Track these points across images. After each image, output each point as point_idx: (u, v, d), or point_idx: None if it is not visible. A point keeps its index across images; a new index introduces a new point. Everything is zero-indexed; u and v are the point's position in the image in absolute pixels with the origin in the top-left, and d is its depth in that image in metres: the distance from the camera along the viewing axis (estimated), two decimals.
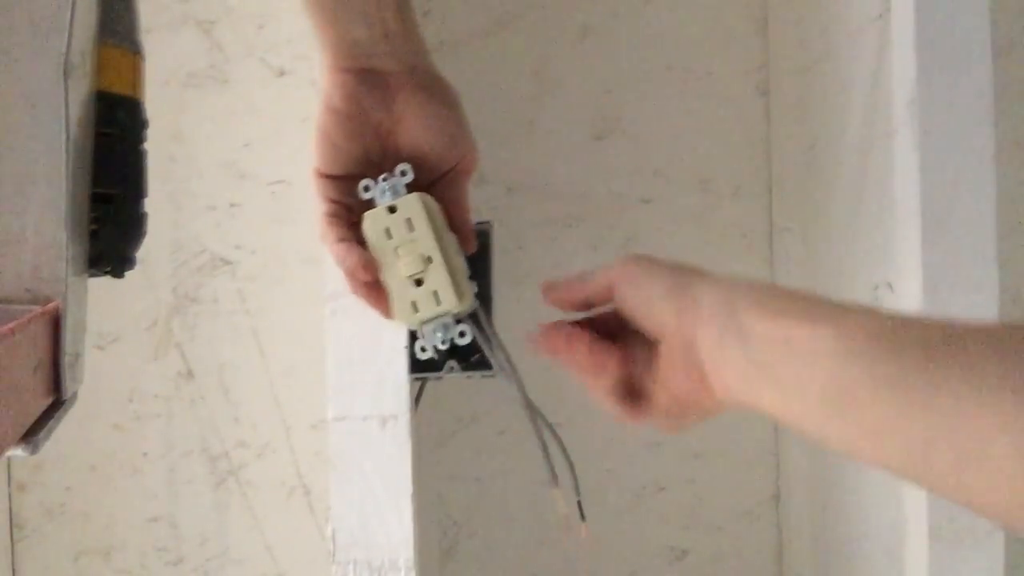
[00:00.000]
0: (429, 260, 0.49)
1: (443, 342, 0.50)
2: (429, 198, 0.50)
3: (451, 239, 0.50)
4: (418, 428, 0.74)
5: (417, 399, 0.73)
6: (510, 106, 1.10)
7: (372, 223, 0.50)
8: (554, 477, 0.53)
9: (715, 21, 1.09)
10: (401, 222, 0.49)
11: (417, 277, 0.49)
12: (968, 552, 0.67)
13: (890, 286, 0.73)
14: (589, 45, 1.10)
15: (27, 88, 0.39)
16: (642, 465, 1.08)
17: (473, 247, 0.51)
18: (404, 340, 0.69)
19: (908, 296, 0.69)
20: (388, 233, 0.50)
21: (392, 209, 0.49)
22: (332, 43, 0.48)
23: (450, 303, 0.49)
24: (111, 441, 1.08)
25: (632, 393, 0.45)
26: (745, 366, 0.36)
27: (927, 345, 0.30)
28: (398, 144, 0.50)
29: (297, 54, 1.07)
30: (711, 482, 1.09)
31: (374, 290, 0.50)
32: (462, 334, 0.50)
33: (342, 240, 0.49)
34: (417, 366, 0.69)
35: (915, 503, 0.69)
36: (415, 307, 0.49)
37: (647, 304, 0.43)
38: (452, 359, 0.69)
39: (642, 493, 1.09)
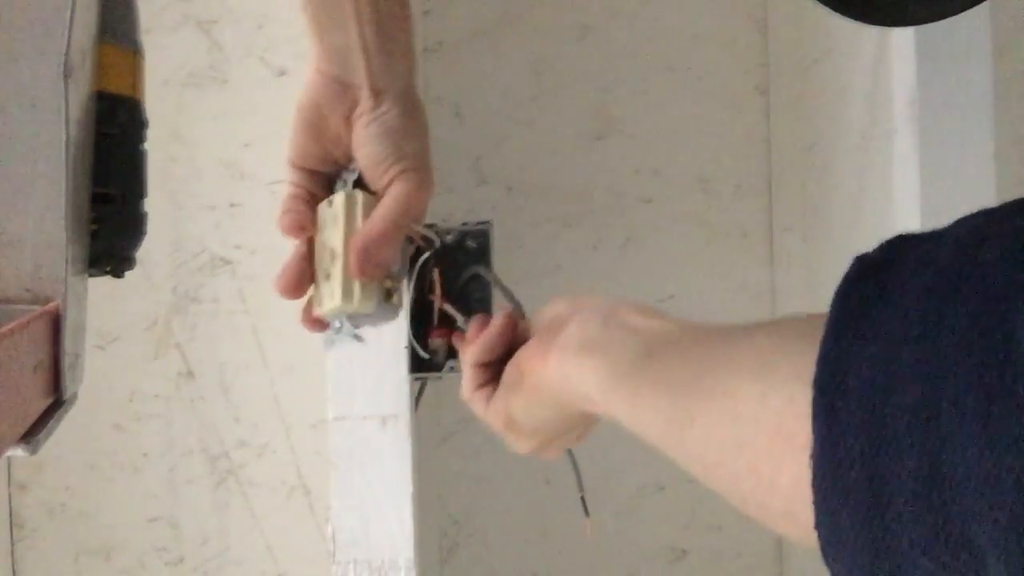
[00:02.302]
0: (335, 255, 0.50)
1: (332, 338, 0.53)
2: (359, 196, 0.51)
3: None
4: (418, 428, 0.74)
5: (417, 399, 0.73)
6: (510, 106, 1.10)
7: (319, 214, 0.53)
8: (585, 508, 0.55)
9: (715, 21, 1.09)
10: (331, 216, 0.51)
11: (327, 271, 0.50)
12: None
13: None
14: (589, 45, 1.10)
15: (27, 88, 0.39)
16: (642, 465, 1.08)
17: (366, 272, 0.50)
18: (404, 340, 0.69)
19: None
20: (324, 224, 0.52)
21: (330, 203, 0.52)
22: (315, 45, 0.50)
23: (336, 301, 0.50)
24: (111, 441, 1.08)
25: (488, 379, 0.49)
26: (591, 339, 0.40)
27: (728, 332, 0.34)
28: (351, 154, 0.52)
29: (297, 54, 1.07)
30: None
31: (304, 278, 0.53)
32: (355, 336, 0.52)
33: (287, 209, 0.53)
34: (417, 366, 0.69)
35: None
36: (321, 299, 0.51)
37: (548, 307, 0.47)
38: (452, 359, 0.69)
39: (642, 493, 1.09)
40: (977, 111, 0.68)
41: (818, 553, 0.26)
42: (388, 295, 0.51)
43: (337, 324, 0.53)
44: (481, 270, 0.57)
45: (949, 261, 0.24)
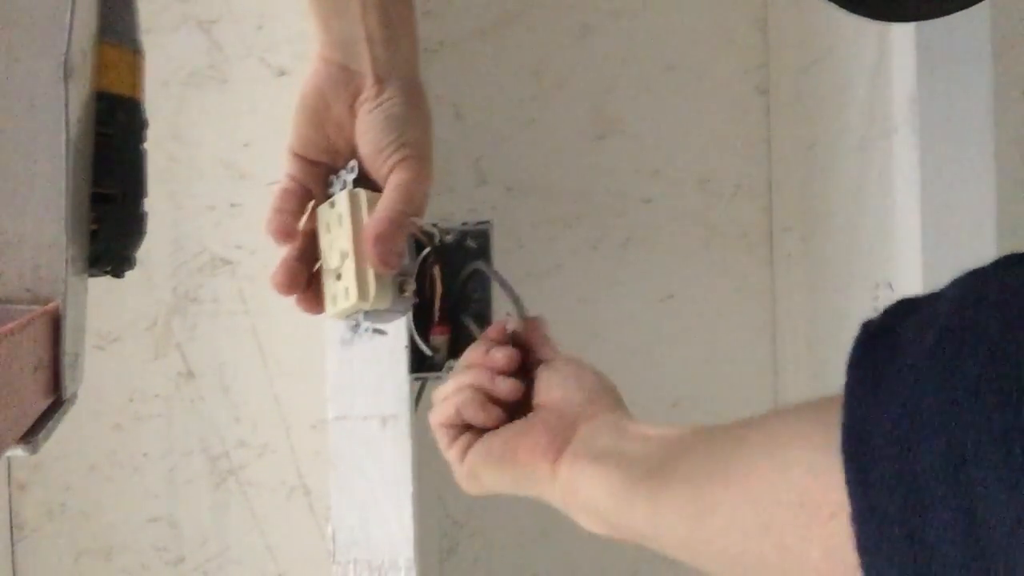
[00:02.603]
0: (346, 255, 0.50)
1: (351, 336, 0.52)
2: (362, 195, 0.50)
3: None
4: (418, 428, 0.74)
5: (417, 399, 0.73)
6: (510, 106, 1.10)
7: (320, 216, 0.52)
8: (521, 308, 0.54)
9: (715, 21, 1.09)
10: (335, 217, 0.51)
11: (337, 271, 0.50)
12: None
13: (890, 286, 0.73)
14: (589, 45, 1.10)
15: (27, 88, 0.39)
16: None
17: (386, 262, 0.49)
18: (404, 340, 0.69)
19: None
20: (328, 227, 0.52)
21: (332, 204, 0.51)
22: (320, 33, 0.50)
23: (352, 300, 0.49)
24: (111, 441, 1.08)
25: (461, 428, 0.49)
26: (603, 450, 0.41)
27: (737, 424, 0.35)
28: (354, 141, 0.52)
29: (297, 54, 1.07)
30: None
31: (300, 279, 0.53)
32: (376, 331, 0.52)
33: (278, 208, 0.52)
34: (417, 366, 0.69)
35: None
36: (334, 300, 0.51)
37: (568, 384, 0.47)
38: (453, 358, 0.69)
39: None
40: (977, 111, 0.68)
41: None
42: (401, 288, 0.51)
43: (354, 322, 0.52)
44: (482, 265, 0.57)
45: (952, 318, 0.25)
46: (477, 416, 0.48)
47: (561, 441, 0.43)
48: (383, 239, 0.48)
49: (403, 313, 0.53)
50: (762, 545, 0.30)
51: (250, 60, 1.07)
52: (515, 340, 0.51)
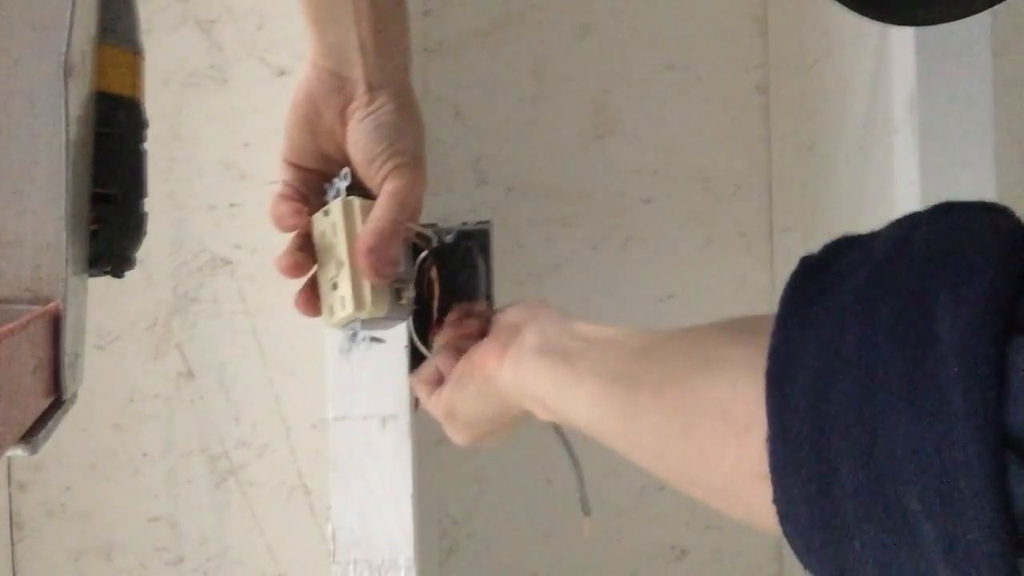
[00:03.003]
0: (342, 265, 0.50)
1: (349, 346, 0.52)
2: (356, 203, 0.50)
3: None
4: (418, 428, 0.74)
5: (417, 399, 0.73)
6: (510, 106, 1.10)
7: (315, 225, 0.52)
8: (586, 505, 0.55)
9: (715, 21, 1.09)
10: (329, 225, 0.51)
11: (333, 281, 0.50)
12: None
13: None
14: (589, 45, 1.10)
15: (27, 88, 0.39)
16: None
17: (380, 271, 0.50)
18: (404, 340, 0.69)
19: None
20: (324, 235, 0.52)
21: (327, 212, 0.51)
22: (312, 39, 0.50)
23: (349, 310, 0.50)
24: (111, 441, 1.08)
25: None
26: (548, 343, 0.43)
27: (677, 332, 0.38)
28: (346, 149, 0.52)
29: (297, 54, 1.07)
30: None
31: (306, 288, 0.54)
32: (374, 339, 0.52)
33: (279, 212, 0.53)
34: (417, 366, 0.69)
35: None
36: (331, 310, 0.51)
37: (509, 311, 0.49)
38: None
39: (642, 493, 1.09)
40: (977, 111, 0.68)
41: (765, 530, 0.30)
42: (398, 296, 0.51)
43: (351, 331, 0.52)
44: (472, 246, 0.57)
45: (881, 260, 0.28)
46: (449, 367, 0.50)
47: (507, 342, 0.45)
48: (376, 250, 0.48)
49: (402, 320, 0.53)
50: (684, 447, 0.33)
51: (250, 60, 1.07)
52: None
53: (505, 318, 0.49)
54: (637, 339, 0.40)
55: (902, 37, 0.70)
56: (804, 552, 0.28)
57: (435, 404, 0.50)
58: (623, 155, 1.09)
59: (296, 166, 0.52)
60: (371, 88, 0.50)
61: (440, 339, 0.52)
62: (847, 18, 0.84)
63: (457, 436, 0.51)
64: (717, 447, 0.31)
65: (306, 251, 0.53)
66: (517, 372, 0.43)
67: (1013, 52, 0.99)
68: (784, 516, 0.28)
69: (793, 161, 1.02)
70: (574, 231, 1.10)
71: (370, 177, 0.50)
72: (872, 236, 0.30)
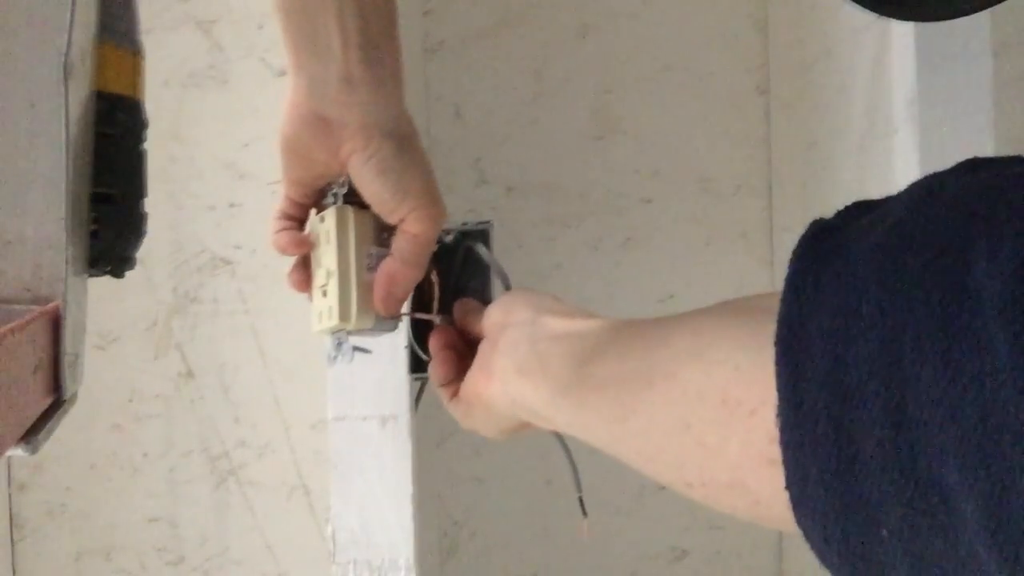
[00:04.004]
0: (331, 274, 0.50)
1: (337, 355, 0.53)
2: (351, 213, 0.50)
3: (367, 257, 0.50)
4: (418, 428, 0.74)
5: (417, 399, 0.73)
6: (510, 106, 1.10)
7: (312, 225, 0.52)
8: (583, 509, 0.55)
9: (715, 21, 1.09)
10: (324, 232, 0.51)
11: (323, 288, 0.50)
12: None
13: None
14: (589, 45, 1.10)
15: (27, 88, 0.39)
16: None
17: (389, 310, 0.51)
18: (404, 341, 0.69)
19: None
20: (318, 238, 0.52)
21: (323, 218, 0.51)
22: (294, 78, 0.46)
23: (334, 320, 0.50)
24: (111, 441, 1.08)
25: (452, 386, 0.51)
26: (525, 358, 0.41)
27: (660, 321, 0.35)
28: (344, 174, 0.50)
29: None
30: None
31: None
32: (357, 349, 0.52)
33: (278, 231, 0.53)
34: (417, 366, 0.69)
35: None
36: (320, 317, 0.51)
37: (490, 312, 0.48)
38: None
39: (642, 493, 1.09)
40: (977, 111, 0.68)
41: (781, 532, 0.26)
42: None
43: (337, 341, 0.53)
44: (476, 246, 0.57)
45: (902, 217, 0.24)
46: (446, 370, 0.51)
47: (488, 364, 0.45)
48: (392, 292, 0.50)
49: (390, 331, 0.53)
50: (682, 442, 0.30)
51: (250, 60, 1.07)
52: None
53: (486, 325, 0.48)
54: (615, 333, 0.38)
55: (902, 37, 0.70)
56: (822, 546, 0.25)
57: (456, 415, 0.51)
58: (623, 155, 1.09)
59: (296, 183, 0.52)
60: (364, 127, 0.46)
61: (435, 340, 0.52)
62: (847, 18, 0.84)
63: (492, 438, 0.51)
64: (719, 437, 0.28)
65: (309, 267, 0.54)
66: (505, 396, 0.43)
67: (1013, 52, 0.99)
68: (799, 503, 0.25)
69: (793, 161, 1.02)
70: (574, 231, 1.10)
71: (386, 216, 0.49)
72: (890, 198, 0.27)
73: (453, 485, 1.10)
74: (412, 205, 0.48)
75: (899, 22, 0.71)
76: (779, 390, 0.25)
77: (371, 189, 0.48)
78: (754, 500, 0.28)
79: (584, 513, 0.58)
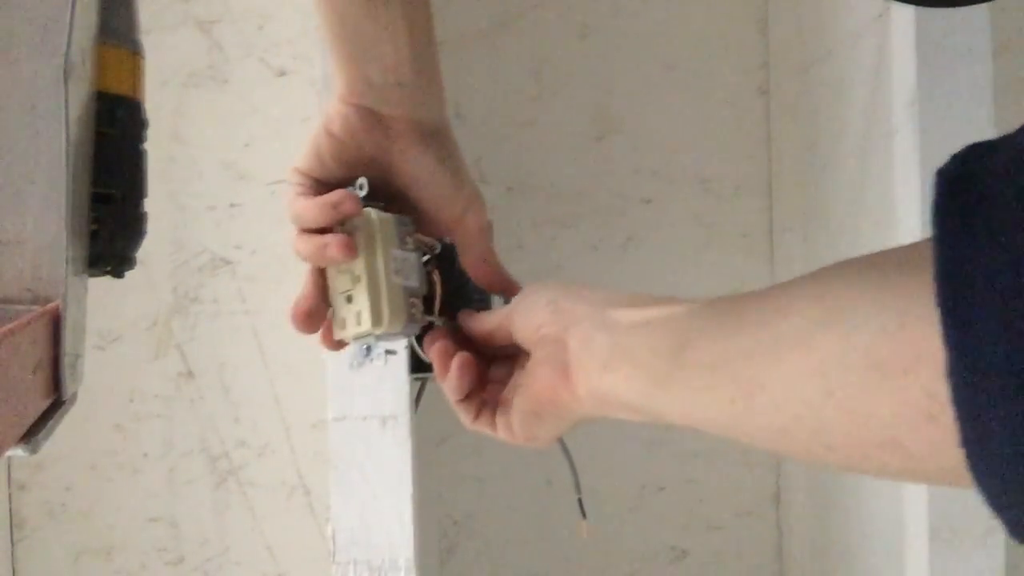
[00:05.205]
0: (358, 279, 0.49)
1: (363, 360, 0.52)
2: (375, 215, 0.50)
3: (392, 261, 0.50)
4: (418, 428, 0.74)
5: (417, 399, 0.73)
6: (510, 106, 1.10)
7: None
8: (582, 510, 0.54)
9: (715, 21, 1.09)
10: None
11: (348, 294, 0.50)
12: (968, 552, 0.67)
13: None
14: (589, 45, 1.10)
15: (27, 88, 0.39)
16: (642, 465, 1.08)
17: (509, 292, 0.52)
18: (404, 341, 0.69)
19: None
20: None
21: (343, 222, 0.50)
22: (346, 78, 0.48)
23: (366, 325, 0.49)
24: (111, 441, 1.08)
25: (484, 405, 0.48)
26: (609, 352, 0.40)
27: (763, 295, 0.34)
28: (395, 185, 0.51)
29: (297, 54, 1.07)
30: (711, 482, 1.09)
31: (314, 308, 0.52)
32: (388, 352, 0.51)
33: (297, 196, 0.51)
34: (417, 366, 0.69)
35: (915, 503, 0.70)
36: (344, 323, 0.50)
37: (529, 313, 0.45)
38: None
39: (642, 493, 1.09)
40: (977, 111, 0.68)
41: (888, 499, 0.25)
42: (410, 309, 0.51)
43: (365, 346, 0.52)
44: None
45: None
46: (461, 384, 0.48)
47: (563, 365, 0.42)
48: (495, 281, 0.51)
49: (413, 334, 0.52)
50: (822, 410, 0.29)
51: (250, 60, 1.07)
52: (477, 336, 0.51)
53: (528, 322, 0.45)
54: (712, 311, 0.36)
55: (902, 38, 0.70)
56: (1003, 500, 0.24)
57: (509, 436, 0.47)
58: (623, 155, 1.09)
59: (310, 177, 0.51)
60: (418, 124, 0.49)
61: (437, 348, 0.50)
62: (847, 18, 0.84)
63: (539, 446, 0.49)
64: (869, 400, 0.28)
65: (320, 288, 0.51)
66: (595, 396, 0.41)
67: (1013, 52, 0.99)
68: (978, 458, 0.24)
69: (793, 161, 1.02)
70: (574, 231, 1.10)
71: (444, 213, 0.51)
72: (1009, 137, 0.26)
73: (453, 485, 1.10)
74: (469, 194, 0.50)
75: (898, 23, 0.71)
76: (950, 346, 0.24)
77: (431, 180, 0.49)
78: (906, 456, 0.27)
79: (584, 515, 0.58)
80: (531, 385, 0.45)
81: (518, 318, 0.46)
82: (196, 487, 1.08)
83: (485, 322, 0.50)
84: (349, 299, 0.50)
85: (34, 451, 0.36)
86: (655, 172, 1.10)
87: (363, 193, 0.50)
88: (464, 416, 0.49)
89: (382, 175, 0.50)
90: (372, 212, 0.49)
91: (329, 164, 0.50)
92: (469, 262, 0.52)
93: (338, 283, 0.50)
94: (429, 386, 0.78)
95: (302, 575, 1.08)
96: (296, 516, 1.07)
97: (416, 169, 0.49)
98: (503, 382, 0.48)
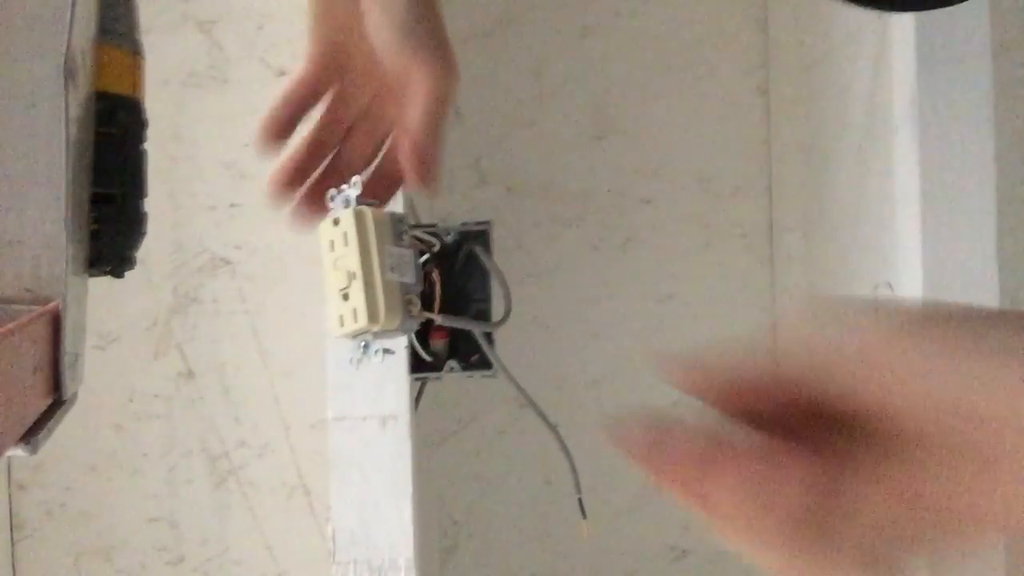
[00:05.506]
0: (354, 276, 0.49)
1: (363, 357, 0.52)
2: (368, 213, 0.50)
3: (388, 257, 0.50)
4: (418, 428, 0.74)
5: (417, 399, 0.73)
6: (510, 106, 1.10)
7: (322, 234, 0.52)
8: (582, 510, 0.54)
9: (715, 21, 1.09)
10: (340, 235, 0.50)
11: (344, 292, 0.50)
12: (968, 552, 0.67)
13: (890, 286, 0.73)
14: (589, 45, 1.10)
15: (27, 88, 0.39)
16: None
17: (431, 182, 0.48)
18: (404, 341, 0.69)
19: (908, 296, 0.69)
20: (332, 245, 0.51)
21: (336, 221, 0.50)
22: None
23: (362, 322, 0.49)
24: (111, 441, 1.08)
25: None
26: None
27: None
28: (360, 46, 0.48)
29: (297, 54, 1.06)
30: None
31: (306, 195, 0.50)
32: (386, 351, 0.51)
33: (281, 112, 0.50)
34: (417, 366, 0.69)
35: None
36: (341, 321, 0.50)
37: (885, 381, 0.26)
38: (452, 359, 0.69)
39: (642, 493, 1.09)
40: (977, 111, 0.68)
41: None
42: (408, 307, 0.51)
43: (363, 343, 0.52)
44: (477, 249, 0.57)
45: None
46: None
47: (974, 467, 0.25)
48: (421, 151, 0.46)
49: (411, 331, 0.52)
50: None
51: (250, 60, 1.07)
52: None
53: (813, 354, 0.27)
54: None
55: (902, 38, 0.70)
56: None
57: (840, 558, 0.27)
58: (623, 155, 1.09)
59: (319, 41, 0.49)
60: None
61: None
62: (847, 18, 0.84)
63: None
64: None
65: (306, 165, 0.49)
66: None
67: (1013, 52, 0.99)
68: None
69: (793, 161, 1.02)
70: (574, 231, 1.10)
71: (393, 68, 0.48)
72: None
73: (453, 485, 1.10)
74: (423, 57, 0.47)
75: (898, 23, 0.71)
76: None
77: (381, 37, 0.46)
78: None
79: (584, 515, 0.58)
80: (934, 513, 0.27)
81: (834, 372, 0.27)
82: (196, 487, 1.08)
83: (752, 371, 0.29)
84: (345, 297, 0.50)
85: (34, 451, 0.36)
86: (655, 172, 1.10)
87: (357, 191, 0.50)
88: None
89: (351, 39, 0.48)
90: (366, 209, 0.50)
91: (318, 31, 0.48)
92: (405, 127, 0.48)
93: (334, 280, 0.51)
94: (429, 386, 0.78)
95: (302, 575, 1.08)
96: (296, 516, 1.07)
97: (370, 29, 0.47)
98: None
